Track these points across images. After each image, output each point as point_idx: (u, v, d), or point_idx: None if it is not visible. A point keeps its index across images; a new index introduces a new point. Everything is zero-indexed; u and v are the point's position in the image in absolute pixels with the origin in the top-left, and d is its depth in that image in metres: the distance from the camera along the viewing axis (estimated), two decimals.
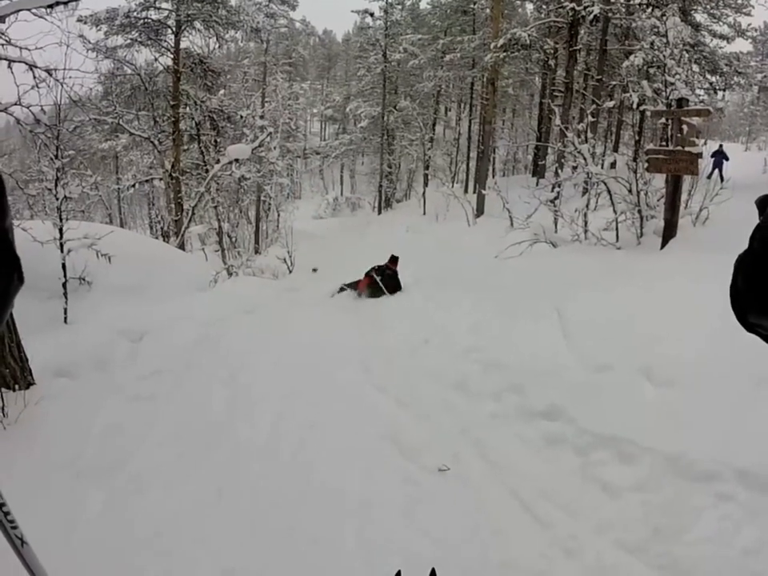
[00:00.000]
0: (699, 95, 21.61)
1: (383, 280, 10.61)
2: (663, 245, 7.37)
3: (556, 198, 10.81)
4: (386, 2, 35.25)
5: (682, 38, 9.35)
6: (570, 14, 21.42)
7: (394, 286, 10.56)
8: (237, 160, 16.66)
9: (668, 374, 4.36)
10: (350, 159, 49.24)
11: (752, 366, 3.99)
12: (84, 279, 7.56)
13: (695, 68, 22.45)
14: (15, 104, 5.77)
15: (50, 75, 5.96)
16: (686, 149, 7.13)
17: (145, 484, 4.01)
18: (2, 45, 5.58)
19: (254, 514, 3.66)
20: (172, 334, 7.19)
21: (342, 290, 11.08)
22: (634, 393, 4.36)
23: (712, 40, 24.45)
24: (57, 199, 7.16)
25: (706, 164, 7.82)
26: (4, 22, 5.38)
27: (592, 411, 4.30)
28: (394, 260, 11.18)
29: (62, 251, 7.15)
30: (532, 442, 4.33)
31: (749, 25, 24.85)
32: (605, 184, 9.23)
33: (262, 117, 20.60)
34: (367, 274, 10.85)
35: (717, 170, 18.45)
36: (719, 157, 19.73)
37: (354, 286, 10.92)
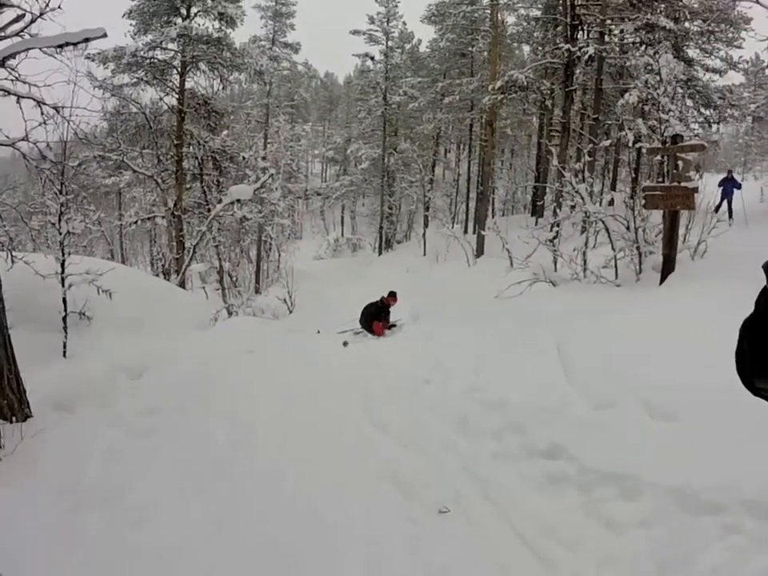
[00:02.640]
0: (694, 129, 21.87)
1: (370, 313, 10.87)
2: (662, 280, 7.40)
3: (555, 238, 10.89)
4: (386, 46, 36.11)
5: (675, 75, 9.51)
6: (566, 54, 21.91)
7: (371, 318, 10.86)
8: (239, 200, 16.83)
9: (670, 406, 4.35)
10: (351, 200, 49.75)
11: (751, 396, 3.99)
12: (84, 314, 7.58)
13: (689, 102, 22.77)
14: (22, 139, 5.85)
15: (58, 112, 6.05)
16: (682, 184, 7.21)
17: (144, 516, 3.98)
18: (12, 81, 5.68)
19: (255, 551, 3.62)
20: (172, 370, 7.18)
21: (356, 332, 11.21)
22: (636, 428, 4.34)
23: (705, 74, 24.89)
24: (60, 234, 7.23)
25: (702, 196, 7.82)
26: (15, 59, 5.51)
27: (594, 448, 4.26)
28: (391, 295, 11.34)
29: (63, 285, 7.19)
30: (534, 480, 4.26)
31: (740, 57, 25.33)
32: (603, 222, 9.31)
33: (264, 158, 20.86)
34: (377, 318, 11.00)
35: (726, 202, 17.03)
36: (728, 185, 17.41)
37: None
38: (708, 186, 8.08)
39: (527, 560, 3.47)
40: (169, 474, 4.60)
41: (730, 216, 16.24)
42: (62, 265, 7.23)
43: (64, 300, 7.19)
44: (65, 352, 7.03)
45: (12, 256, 6.80)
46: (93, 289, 7.55)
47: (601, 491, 3.90)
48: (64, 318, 7.14)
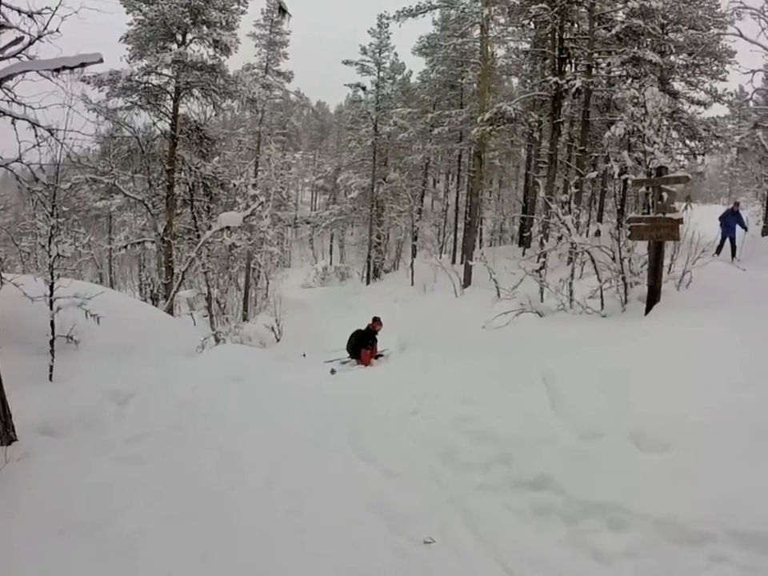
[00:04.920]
0: (679, 161, 22.22)
1: (356, 339, 10.98)
2: (648, 310, 7.45)
3: (541, 268, 10.95)
4: (378, 76, 36.56)
5: (660, 108, 9.69)
6: (554, 87, 22.31)
7: (358, 345, 11.13)
8: (228, 227, 16.87)
9: (658, 437, 4.36)
10: (340, 229, 49.93)
11: (741, 425, 4.03)
12: (72, 338, 7.52)
13: (674, 134, 23.24)
14: (16, 161, 5.88)
15: (52, 135, 6.09)
16: (667, 215, 7.30)
17: (133, 544, 3.96)
18: (8, 102, 5.73)
19: None
20: (159, 397, 7.15)
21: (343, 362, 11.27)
22: (623, 458, 4.34)
23: (690, 106, 25.41)
24: (50, 256, 7.21)
25: (687, 227, 7.87)
26: (11, 80, 5.56)
27: (581, 479, 4.26)
28: (376, 320, 11.49)
29: (51, 308, 7.15)
30: (521, 512, 4.26)
31: (725, 90, 26.00)
32: (589, 253, 9.39)
33: (254, 186, 20.95)
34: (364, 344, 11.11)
35: (728, 240, 14.99)
36: (732, 219, 15.21)
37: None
38: (692, 218, 8.16)
39: None
40: (155, 504, 4.57)
41: (734, 255, 14.73)
42: (51, 287, 7.19)
43: (52, 323, 7.14)
44: (51, 375, 6.96)
45: (1, 277, 6.78)
46: (81, 312, 7.50)
47: (588, 522, 3.90)
48: (51, 342, 7.08)
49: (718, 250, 14.04)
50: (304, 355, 12.62)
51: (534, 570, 3.60)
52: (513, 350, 7.68)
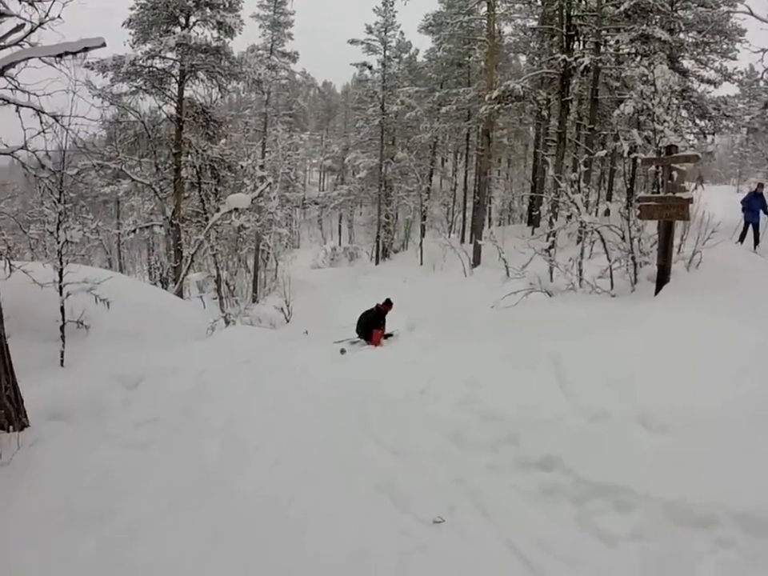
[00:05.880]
0: (689, 140, 21.99)
1: (366, 320, 11.03)
2: (657, 290, 7.40)
3: (551, 248, 10.90)
4: (384, 55, 36.31)
5: (670, 86, 9.57)
6: (562, 65, 22.06)
7: (368, 326, 11.15)
8: (236, 209, 16.84)
9: (665, 420, 4.36)
10: (349, 209, 49.87)
11: (749, 410, 4.02)
12: (82, 323, 7.58)
13: (684, 113, 22.99)
14: (21, 148, 5.89)
15: (57, 121, 6.09)
16: (677, 195, 7.23)
17: (137, 532, 3.98)
18: (12, 89, 5.73)
19: (248, 566, 3.64)
20: (168, 381, 7.17)
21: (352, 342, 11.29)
22: (630, 440, 4.35)
23: (700, 85, 25.18)
24: (58, 242, 7.25)
25: (697, 207, 7.76)
26: (15, 68, 5.56)
27: (589, 460, 4.27)
28: (386, 302, 11.48)
29: (61, 294, 7.19)
30: (528, 492, 4.26)
31: (735, 69, 25.75)
32: (598, 232, 9.33)
33: (262, 167, 20.88)
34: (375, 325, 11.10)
35: (751, 227, 13.58)
36: (756, 203, 13.60)
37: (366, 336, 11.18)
38: (702, 197, 8.07)
39: (522, 574, 3.47)
40: (162, 489, 4.60)
41: (757, 242, 13.35)
42: (60, 274, 7.24)
43: (62, 309, 7.20)
44: (62, 361, 7.03)
45: (10, 265, 6.82)
46: (90, 298, 7.55)
47: (595, 503, 3.91)
48: (62, 327, 7.14)
49: (742, 237, 13.16)
50: (306, 332, 12.66)
51: (541, 552, 3.61)
52: (522, 330, 7.66)
